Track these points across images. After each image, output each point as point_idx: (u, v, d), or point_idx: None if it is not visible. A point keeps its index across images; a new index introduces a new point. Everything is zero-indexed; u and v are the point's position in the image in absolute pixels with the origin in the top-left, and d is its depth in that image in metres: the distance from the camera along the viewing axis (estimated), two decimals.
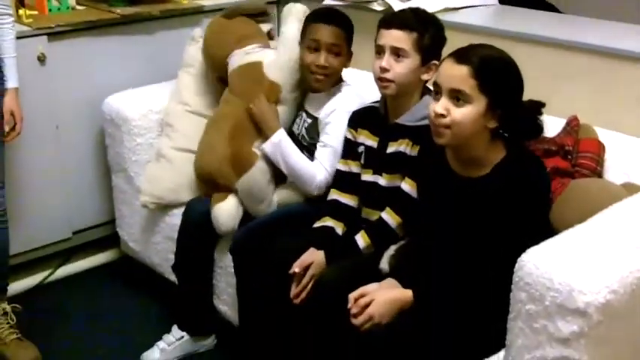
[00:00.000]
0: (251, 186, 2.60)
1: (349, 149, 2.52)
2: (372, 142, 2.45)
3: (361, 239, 2.35)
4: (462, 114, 1.96)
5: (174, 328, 2.79)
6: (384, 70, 2.30)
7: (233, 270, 2.58)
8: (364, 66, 2.62)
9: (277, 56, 2.73)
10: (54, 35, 2.98)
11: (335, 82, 2.65)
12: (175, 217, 2.85)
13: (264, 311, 2.47)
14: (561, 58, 2.76)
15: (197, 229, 2.70)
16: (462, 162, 2.08)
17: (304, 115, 2.71)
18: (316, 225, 2.46)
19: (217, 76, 2.91)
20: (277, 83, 2.69)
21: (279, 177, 2.70)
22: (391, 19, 2.34)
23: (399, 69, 2.29)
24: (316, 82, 2.62)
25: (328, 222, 2.46)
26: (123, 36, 3.14)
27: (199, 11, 3.25)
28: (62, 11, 3.13)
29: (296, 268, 2.33)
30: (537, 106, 2.04)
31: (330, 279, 2.28)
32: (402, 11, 2.38)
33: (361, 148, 2.48)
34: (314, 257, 2.35)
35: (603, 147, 2.45)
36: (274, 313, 2.44)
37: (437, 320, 2.03)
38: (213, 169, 2.66)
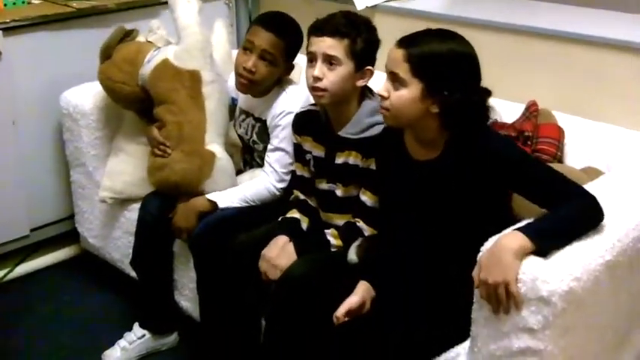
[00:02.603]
0: (217, 188, 2.56)
1: (297, 153, 2.49)
2: (318, 152, 2.40)
3: (333, 239, 2.32)
4: (397, 96, 1.98)
5: (136, 326, 2.74)
6: (316, 79, 2.25)
7: (193, 265, 2.55)
8: None
9: (180, 45, 2.64)
10: (10, 30, 2.91)
11: (272, 86, 2.57)
12: (135, 212, 2.79)
13: (226, 306, 2.44)
14: (518, 43, 2.76)
15: (155, 224, 2.65)
16: (420, 146, 2.07)
17: (251, 119, 2.65)
18: (287, 215, 2.45)
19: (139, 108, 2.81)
20: (194, 70, 2.61)
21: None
22: (322, 26, 2.28)
23: (332, 77, 2.24)
24: (240, 84, 2.55)
25: (295, 214, 2.44)
26: (80, 30, 3.08)
27: (156, 3, 3.19)
28: (18, 5, 3.06)
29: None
30: (483, 94, 2.01)
31: (299, 272, 2.25)
32: (332, 17, 2.31)
33: (309, 156, 2.44)
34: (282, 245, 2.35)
35: (563, 132, 2.47)
36: (236, 308, 2.41)
37: (409, 310, 2.02)
38: (175, 181, 2.58)
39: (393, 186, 2.14)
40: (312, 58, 2.28)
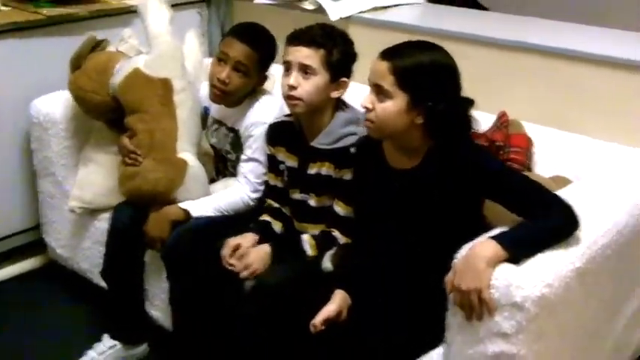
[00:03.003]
0: (190, 197, 2.55)
1: (271, 164, 2.50)
2: (292, 162, 2.42)
3: (309, 247, 2.32)
4: (382, 108, 1.99)
5: (106, 336, 2.71)
6: (291, 87, 2.26)
7: (166, 276, 2.52)
8: None
9: (151, 54, 2.64)
10: None
11: (246, 96, 2.58)
12: (105, 222, 2.78)
13: (199, 317, 2.43)
14: (488, 55, 2.80)
15: (126, 234, 2.63)
16: (400, 154, 2.09)
17: (224, 129, 2.65)
18: (258, 219, 2.46)
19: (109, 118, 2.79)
20: (165, 78, 2.60)
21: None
22: (299, 35, 2.30)
23: (307, 86, 2.26)
24: (213, 95, 2.55)
25: (267, 218, 2.46)
26: (50, 37, 3.04)
27: (127, 11, 3.17)
28: None
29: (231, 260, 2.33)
30: (465, 104, 2.05)
31: (274, 281, 2.25)
32: (309, 27, 2.34)
33: (282, 166, 2.45)
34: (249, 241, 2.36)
35: (532, 141, 2.51)
36: (210, 318, 2.40)
37: (388, 317, 2.04)
38: (147, 190, 2.56)
39: (371, 195, 2.15)
40: (288, 67, 2.29)
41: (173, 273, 2.49)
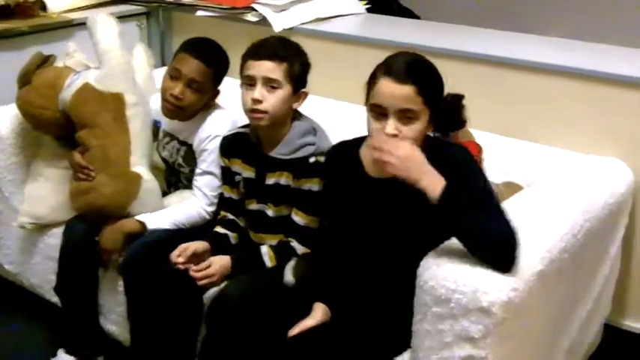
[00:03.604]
0: (144, 210, 2.53)
1: (225, 176, 2.51)
2: (248, 173, 2.43)
3: (267, 258, 2.34)
4: (413, 130, 1.96)
5: (61, 352, 2.67)
6: (257, 101, 2.27)
7: (123, 289, 2.51)
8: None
9: (102, 68, 2.62)
10: None
11: (198, 110, 2.57)
12: (55, 237, 2.74)
13: (158, 331, 2.41)
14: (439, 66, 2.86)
15: (79, 248, 2.59)
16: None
17: (176, 142, 2.65)
18: (213, 230, 2.47)
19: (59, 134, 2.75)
20: (117, 92, 2.59)
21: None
22: (259, 50, 2.31)
23: (273, 100, 2.28)
24: (166, 110, 2.55)
25: (222, 229, 2.46)
26: None
27: (70, 25, 3.14)
28: None
29: (178, 259, 2.32)
30: (458, 99, 2.11)
31: (236, 293, 2.25)
32: (267, 41, 2.36)
33: (238, 178, 2.46)
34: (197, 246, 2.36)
35: (481, 148, 2.57)
36: (169, 332, 2.39)
37: (360, 324, 2.07)
38: (102, 205, 2.54)
39: (348, 206, 2.16)
40: (250, 82, 2.30)
41: (130, 287, 2.47)
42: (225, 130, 2.53)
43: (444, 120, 2.07)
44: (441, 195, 1.87)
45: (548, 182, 2.35)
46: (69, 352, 2.67)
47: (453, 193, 1.88)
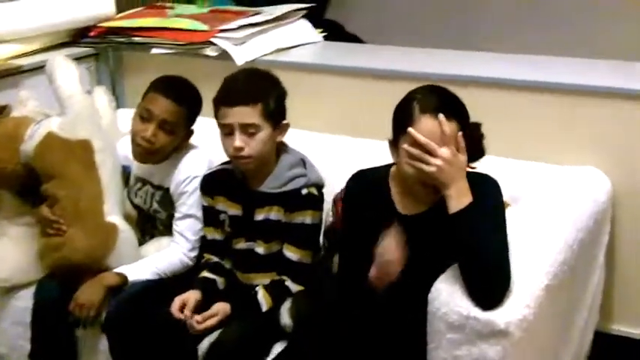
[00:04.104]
0: (122, 262, 2.42)
1: (209, 216, 2.41)
2: (235, 210, 2.35)
3: (264, 302, 2.24)
4: (463, 160, 1.95)
5: None
6: (239, 149, 2.21)
7: (107, 349, 2.37)
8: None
9: (66, 115, 2.50)
10: None
11: (171, 152, 2.48)
12: (24, 299, 2.58)
13: None
14: (396, 87, 2.83)
15: (53, 309, 2.45)
16: (410, 199, 2.05)
17: (149, 187, 2.55)
18: (198, 276, 2.36)
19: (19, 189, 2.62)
20: (84, 139, 2.48)
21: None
22: (232, 95, 2.22)
23: (254, 144, 2.21)
24: (138, 154, 2.46)
25: (208, 274, 2.37)
26: None
27: (18, 72, 3.00)
28: None
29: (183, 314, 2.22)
30: (477, 128, 2.08)
31: (231, 341, 2.17)
32: (235, 82, 2.27)
33: (223, 216, 2.37)
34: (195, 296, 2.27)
35: None
36: None
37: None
38: (77, 260, 2.41)
39: (370, 236, 2.05)
40: (228, 131, 2.22)
41: (116, 345, 2.34)
42: (203, 170, 2.45)
43: (468, 151, 2.00)
44: (463, 208, 1.88)
45: (534, 197, 2.35)
46: None
47: (475, 210, 1.89)
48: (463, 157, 1.93)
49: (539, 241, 2.07)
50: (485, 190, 1.99)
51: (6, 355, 2.73)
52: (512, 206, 2.35)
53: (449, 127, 1.91)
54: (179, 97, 2.42)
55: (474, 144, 2.05)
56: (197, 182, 2.43)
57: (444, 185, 1.91)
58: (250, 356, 2.18)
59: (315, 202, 2.31)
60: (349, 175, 2.42)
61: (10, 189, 2.62)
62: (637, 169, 2.51)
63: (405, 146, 1.95)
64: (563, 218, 2.21)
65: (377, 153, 2.60)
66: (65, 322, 2.45)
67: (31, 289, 2.57)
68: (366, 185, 2.16)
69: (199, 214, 2.44)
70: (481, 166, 2.53)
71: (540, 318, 1.89)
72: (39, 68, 2.99)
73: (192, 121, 2.49)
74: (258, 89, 2.24)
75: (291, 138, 2.60)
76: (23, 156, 2.51)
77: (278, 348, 2.21)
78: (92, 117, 2.54)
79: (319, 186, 2.34)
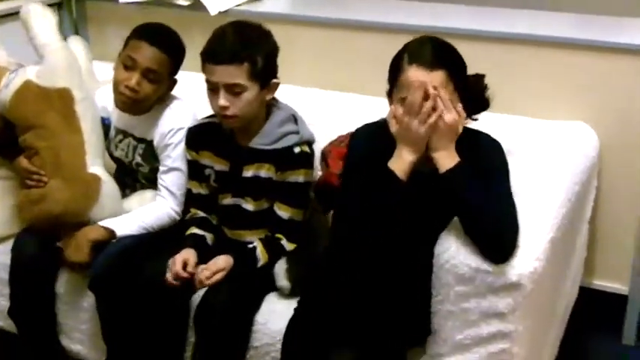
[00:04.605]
0: (104, 215, 2.33)
1: (193, 171, 2.33)
2: (221, 166, 2.27)
3: (261, 256, 2.19)
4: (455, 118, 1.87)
5: None
6: (224, 108, 2.12)
7: (93, 306, 2.31)
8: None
9: (44, 63, 2.40)
10: None
11: (154, 103, 2.39)
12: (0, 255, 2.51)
13: (142, 346, 2.23)
14: (352, 38, 2.81)
15: (33, 265, 2.37)
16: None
17: (131, 140, 2.45)
18: (187, 233, 2.29)
19: None
20: (63, 87, 2.37)
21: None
22: (217, 52, 2.11)
23: (240, 104, 2.12)
24: (121, 103, 2.36)
25: (197, 230, 2.29)
26: None
27: None
28: None
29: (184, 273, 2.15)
30: (480, 79, 2.03)
31: (223, 294, 2.12)
32: (223, 38, 2.14)
33: (209, 171, 2.29)
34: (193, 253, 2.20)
35: None
36: (155, 345, 2.22)
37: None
38: (59, 212, 2.31)
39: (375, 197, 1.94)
40: (213, 88, 2.13)
41: (105, 304, 2.27)
42: (188, 121, 2.36)
43: (471, 102, 1.97)
44: (451, 168, 1.85)
45: (527, 151, 2.33)
46: None
47: (463, 169, 1.86)
48: (450, 117, 1.85)
49: (541, 194, 2.07)
50: (488, 149, 1.98)
51: None
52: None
53: (430, 77, 1.85)
54: (164, 45, 2.32)
55: (477, 95, 2.01)
56: (182, 134, 2.35)
57: (434, 149, 1.87)
58: (242, 311, 2.14)
59: (307, 160, 2.25)
60: (331, 129, 2.42)
61: None
62: (623, 124, 2.52)
63: (392, 107, 1.91)
64: (560, 172, 2.21)
65: (355, 106, 2.61)
66: (43, 276, 2.40)
67: (6, 245, 2.49)
68: (374, 137, 2.06)
69: (184, 167, 2.35)
70: (474, 122, 2.54)
71: (546, 270, 1.89)
72: (1, 17, 2.87)
73: (176, 70, 2.39)
74: (246, 47, 2.12)
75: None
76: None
77: (268, 302, 2.18)
78: (72, 66, 2.42)
79: (310, 142, 2.28)
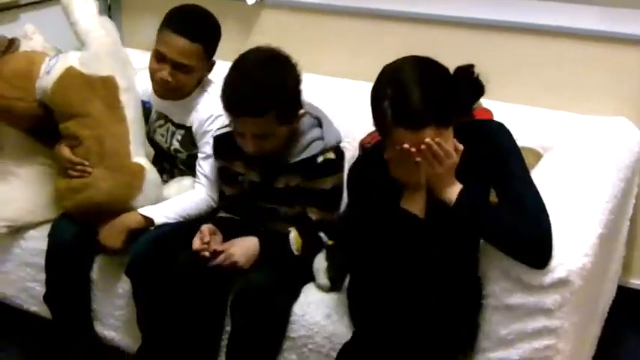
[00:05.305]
0: (147, 204, 2.32)
1: (224, 176, 2.30)
2: (253, 176, 2.22)
3: (295, 245, 2.16)
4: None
5: None
6: (256, 151, 2.09)
7: (131, 293, 2.30)
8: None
9: (87, 50, 2.38)
10: None
11: (193, 88, 2.37)
12: (34, 241, 2.50)
13: (177, 335, 2.19)
14: (385, 28, 2.80)
15: (70, 251, 2.36)
16: None
17: (170, 126, 2.44)
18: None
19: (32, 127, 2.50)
20: (107, 75, 2.35)
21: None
22: (237, 107, 2.05)
23: (270, 145, 2.09)
24: (158, 92, 2.37)
25: (224, 214, 2.30)
26: None
27: (14, 6, 2.84)
28: None
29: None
30: (467, 69, 1.90)
31: (261, 281, 2.10)
32: (238, 89, 2.05)
33: (242, 178, 2.26)
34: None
35: (492, 115, 2.47)
36: (190, 333, 2.20)
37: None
38: (102, 201, 2.30)
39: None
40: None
41: (141, 290, 2.26)
42: None
43: (466, 93, 1.89)
44: (457, 201, 1.79)
45: (568, 146, 2.32)
46: None
47: (469, 196, 1.80)
48: (446, 165, 1.77)
49: (588, 189, 2.04)
50: (497, 141, 1.90)
51: (14, 297, 2.63)
52: (544, 155, 2.33)
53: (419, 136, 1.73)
54: (193, 34, 2.27)
55: (471, 85, 1.90)
56: (220, 121, 2.31)
57: (438, 190, 1.82)
58: (280, 299, 2.12)
59: (332, 167, 2.18)
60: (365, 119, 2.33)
61: (21, 127, 2.50)
62: None
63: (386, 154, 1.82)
64: (606, 168, 2.19)
65: None
66: (80, 263, 2.40)
67: (41, 230, 2.50)
68: (369, 171, 1.95)
69: None
70: (513, 116, 2.51)
71: (594, 266, 1.86)
72: (38, 2, 2.86)
73: (212, 53, 2.35)
74: (268, 97, 2.03)
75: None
76: (39, 92, 2.38)
77: (306, 293, 2.16)
78: (116, 53, 2.40)
79: (336, 147, 2.21)
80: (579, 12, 2.70)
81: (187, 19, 2.33)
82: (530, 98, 2.57)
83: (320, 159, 2.16)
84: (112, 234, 2.27)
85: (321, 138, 2.17)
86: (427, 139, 1.72)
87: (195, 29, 2.30)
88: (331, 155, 2.18)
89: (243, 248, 2.14)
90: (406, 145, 1.73)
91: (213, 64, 2.38)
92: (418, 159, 1.74)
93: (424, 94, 1.72)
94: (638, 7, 2.47)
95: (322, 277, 2.15)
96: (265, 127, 2.05)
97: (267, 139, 2.07)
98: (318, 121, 2.22)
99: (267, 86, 2.04)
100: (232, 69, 2.09)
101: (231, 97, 2.06)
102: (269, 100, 2.02)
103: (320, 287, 2.16)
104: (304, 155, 2.15)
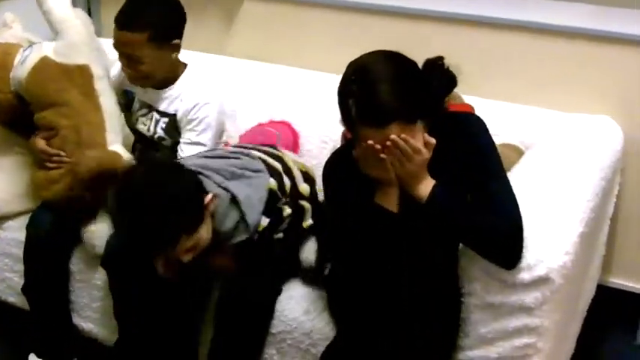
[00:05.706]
0: None
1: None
2: None
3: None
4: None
5: (32, 357, 2.42)
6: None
7: (105, 284, 2.28)
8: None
9: (63, 39, 2.34)
10: None
11: (171, 72, 2.36)
12: (12, 231, 2.48)
13: (152, 329, 2.19)
14: (368, 23, 2.79)
15: (47, 242, 2.35)
16: None
17: (155, 114, 2.41)
18: None
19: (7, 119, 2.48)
20: (83, 64, 2.33)
21: None
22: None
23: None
24: (133, 83, 2.38)
25: None
26: None
27: None
28: None
29: None
30: (436, 61, 1.85)
31: (243, 280, 2.08)
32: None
33: None
34: None
35: (474, 110, 2.48)
36: (170, 327, 2.19)
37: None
38: (91, 169, 2.24)
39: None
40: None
41: (117, 282, 2.23)
42: (212, 94, 2.35)
43: (438, 86, 1.84)
44: (429, 198, 1.77)
45: (551, 143, 2.31)
46: (40, 355, 2.42)
47: (442, 193, 1.77)
48: (416, 162, 1.74)
49: (570, 188, 2.04)
50: (472, 133, 1.87)
51: None
52: (525, 152, 2.33)
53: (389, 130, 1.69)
54: (132, 25, 2.24)
55: (442, 75, 1.84)
56: (208, 109, 2.32)
57: (409, 185, 1.79)
58: (264, 295, 2.11)
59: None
60: None
61: None
62: None
63: (355, 151, 1.79)
64: (588, 166, 2.18)
65: None
66: (58, 254, 2.38)
67: (20, 221, 2.48)
68: (343, 167, 1.90)
69: (209, 143, 2.33)
70: (496, 112, 2.50)
71: (575, 265, 1.86)
72: None
73: (166, 35, 2.29)
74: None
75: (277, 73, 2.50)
76: (14, 83, 2.36)
77: (285, 288, 2.15)
78: (90, 42, 2.37)
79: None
80: (565, 9, 2.71)
81: (126, 12, 2.29)
82: (515, 95, 2.56)
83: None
84: None
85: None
86: (392, 136, 1.70)
87: (134, 20, 2.26)
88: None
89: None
90: (371, 142, 1.71)
91: (176, 45, 2.33)
92: (383, 156, 1.72)
93: (388, 90, 1.69)
94: (624, 5, 2.48)
95: (310, 252, 2.15)
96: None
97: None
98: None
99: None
100: None
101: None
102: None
103: (303, 262, 2.15)
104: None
